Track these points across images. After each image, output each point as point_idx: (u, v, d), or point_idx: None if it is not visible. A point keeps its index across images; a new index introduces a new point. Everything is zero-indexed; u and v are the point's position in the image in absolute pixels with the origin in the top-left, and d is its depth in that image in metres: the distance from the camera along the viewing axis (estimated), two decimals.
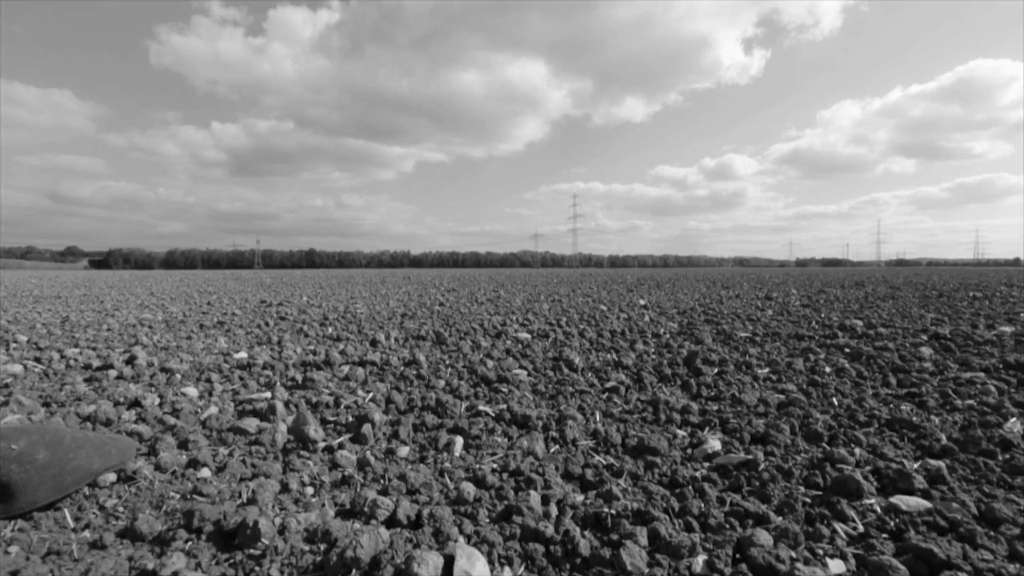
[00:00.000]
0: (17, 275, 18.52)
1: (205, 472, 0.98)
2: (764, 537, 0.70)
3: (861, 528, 0.75)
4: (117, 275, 20.32)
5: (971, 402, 1.35)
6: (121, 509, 0.84)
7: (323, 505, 0.84)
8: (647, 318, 3.37)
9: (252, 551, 0.70)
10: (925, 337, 2.42)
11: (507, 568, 0.67)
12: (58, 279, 13.54)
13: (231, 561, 0.69)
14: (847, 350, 2.12)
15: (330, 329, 2.95)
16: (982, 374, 1.66)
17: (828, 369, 1.77)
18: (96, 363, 1.96)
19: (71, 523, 0.79)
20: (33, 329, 3.02)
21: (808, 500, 0.84)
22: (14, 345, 2.44)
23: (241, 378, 1.74)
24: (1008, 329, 2.59)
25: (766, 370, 1.78)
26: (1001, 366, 1.77)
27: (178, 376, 1.77)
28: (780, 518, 0.78)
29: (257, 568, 0.66)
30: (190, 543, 0.73)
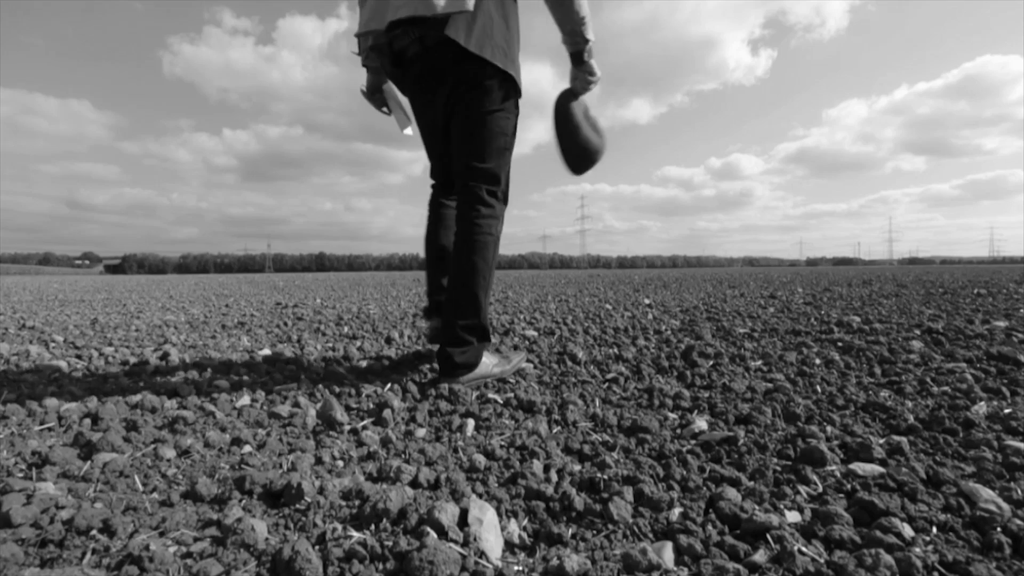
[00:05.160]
0: (38, 280, 19.00)
1: (247, 448, 1.11)
2: (732, 493, 0.82)
3: (821, 489, 0.86)
4: (133, 279, 20.75)
5: (946, 388, 1.45)
6: (180, 477, 0.97)
7: (354, 473, 0.97)
8: (650, 316, 3.48)
9: (298, 507, 0.83)
10: (918, 332, 2.51)
11: (513, 519, 0.79)
12: (78, 284, 13.89)
13: (281, 514, 0.82)
14: (840, 344, 2.22)
15: (346, 328, 3.09)
16: (964, 364, 1.75)
17: (818, 361, 1.87)
18: (132, 360, 2.11)
19: (140, 487, 0.92)
20: (67, 330, 3.19)
21: (779, 468, 0.95)
22: (53, 344, 2.61)
23: (267, 371, 1.88)
24: (1002, 324, 2.66)
25: (759, 362, 1.89)
26: (984, 357, 1.86)
27: (209, 370, 1.91)
28: (752, 482, 0.90)
29: (304, 518, 0.79)
30: (244, 501, 0.86)
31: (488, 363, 1.64)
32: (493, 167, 1.53)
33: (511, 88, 1.53)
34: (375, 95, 1.78)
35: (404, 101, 1.74)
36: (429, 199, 1.80)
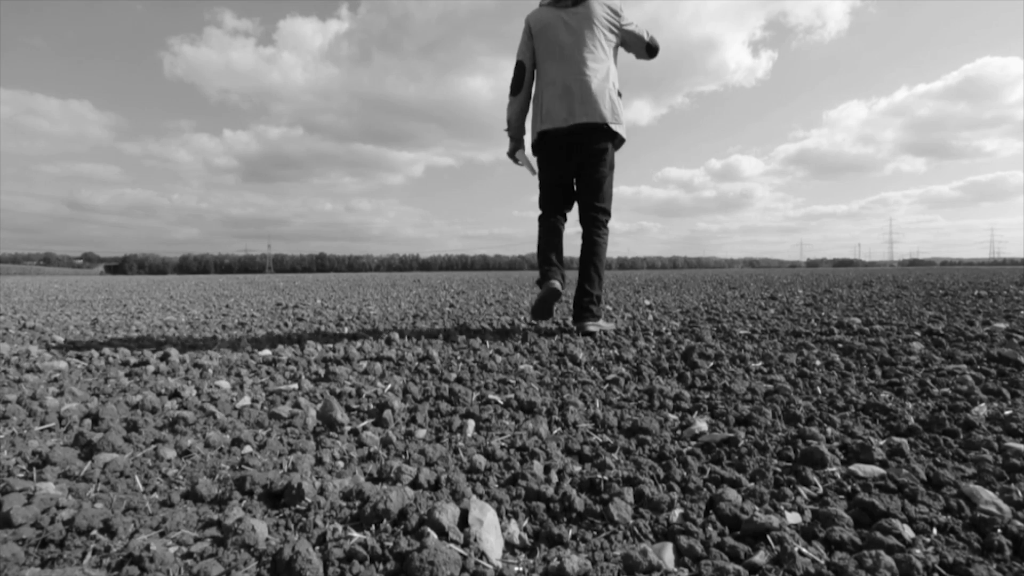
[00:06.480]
0: (39, 280, 19.02)
1: (248, 449, 1.11)
2: (733, 495, 0.82)
3: (821, 490, 0.86)
4: (134, 280, 20.75)
5: (946, 390, 1.45)
6: (181, 478, 0.97)
7: (354, 473, 0.97)
8: (651, 317, 3.48)
9: (298, 507, 0.83)
10: (919, 333, 2.51)
11: (513, 520, 0.79)
12: (79, 284, 13.91)
13: (281, 514, 0.82)
14: (840, 345, 2.22)
15: (346, 329, 3.09)
16: (964, 366, 1.75)
17: (818, 362, 1.87)
18: (133, 360, 2.12)
19: (141, 487, 0.92)
20: (67, 330, 3.19)
21: (779, 469, 0.95)
22: (53, 344, 2.61)
23: (268, 372, 1.88)
24: (1002, 325, 2.66)
25: (759, 363, 1.89)
26: (985, 359, 1.86)
27: (210, 371, 1.92)
28: (752, 483, 0.90)
29: (304, 519, 0.79)
30: (244, 501, 0.86)
31: (604, 321, 2.82)
32: (607, 206, 2.64)
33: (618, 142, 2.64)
34: (515, 154, 2.78)
35: (532, 158, 2.75)
36: (545, 218, 2.72)
